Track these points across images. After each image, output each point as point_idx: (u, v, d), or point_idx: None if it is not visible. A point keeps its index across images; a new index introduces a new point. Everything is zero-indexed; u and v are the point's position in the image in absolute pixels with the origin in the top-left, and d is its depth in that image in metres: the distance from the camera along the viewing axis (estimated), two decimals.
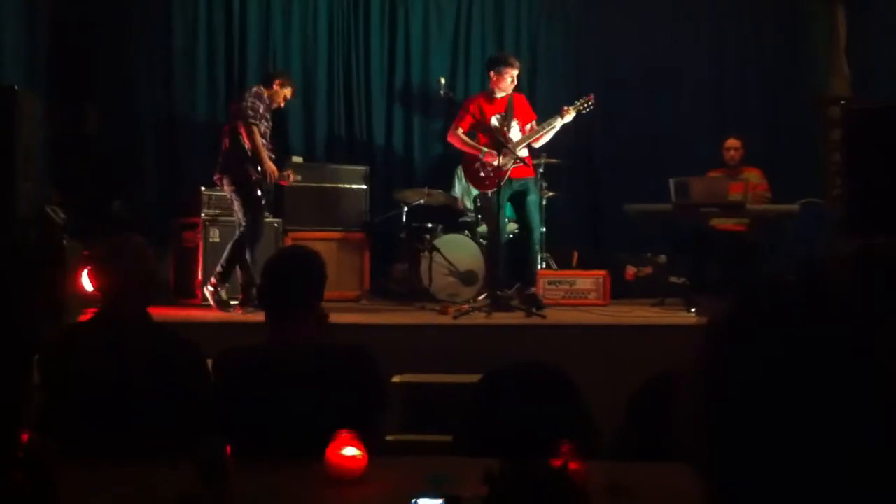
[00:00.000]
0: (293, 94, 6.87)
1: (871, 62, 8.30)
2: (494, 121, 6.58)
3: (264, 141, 6.27)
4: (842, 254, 0.96)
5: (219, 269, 6.27)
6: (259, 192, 6.26)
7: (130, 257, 2.79)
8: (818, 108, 7.94)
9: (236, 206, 6.27)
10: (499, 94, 6.61)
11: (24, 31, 7.07)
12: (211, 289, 6.23)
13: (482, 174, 6.55)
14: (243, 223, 6.21)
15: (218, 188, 6.49)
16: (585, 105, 6.65)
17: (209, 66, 8.17)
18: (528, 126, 6.64)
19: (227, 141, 6.32)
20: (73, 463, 1.96)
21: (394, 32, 8.57)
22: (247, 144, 6.19)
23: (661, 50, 8.59)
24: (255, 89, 6.40)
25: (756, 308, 0.89)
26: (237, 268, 6.27)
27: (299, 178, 7.26)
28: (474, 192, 7.58)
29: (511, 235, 6.90)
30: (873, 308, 0.85)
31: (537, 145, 6.70)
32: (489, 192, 6.50)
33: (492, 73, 6.63)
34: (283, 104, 6.73)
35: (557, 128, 6.58)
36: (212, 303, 6.20)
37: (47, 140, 7.04)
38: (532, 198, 6.59)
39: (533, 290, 6.46)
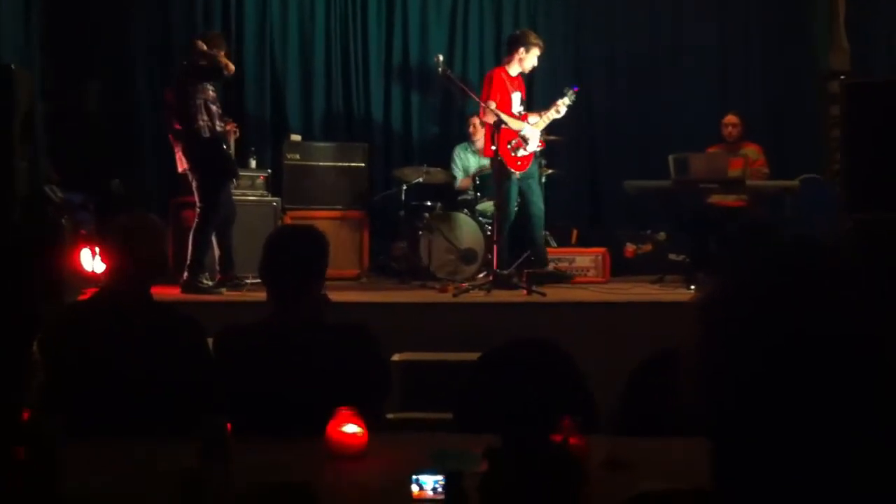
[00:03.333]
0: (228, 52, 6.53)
1: (872, 36, 8.26)
2: (517, 102, 6.58)
3: (214, 107, 6.09)
4: (839, 230, 0.95)
5: (189, 260, 6.03)
6: (225, 160, 6.15)
7: (146, 238, 2.78)
8: (818, 83, 7.90)
9: (196, 187, 6.08)
10: (514, 72, 6.60)
11: (21, 8, 7.02)
12: (189, 282, 6.02)
13: (517, 154, 6.53)
14: (201, 205, 6.05)
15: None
16: (569, 98, 6.58)
17: None
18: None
19: (178, 131, 6.08)
20: (75, 441, 1.97)
21: (391, 9, 8.52)
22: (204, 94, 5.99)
23: (660, 27, 8.55)
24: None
25: (752, 287, 0.88)
26: (209, 251, 6.12)
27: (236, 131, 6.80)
28: (473, 169, 7.57)
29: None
30: (871, 286, 0.84)
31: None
32: (517, 173, 6.51)
33: (521, 50, 6.57)
34: None
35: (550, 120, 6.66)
36: (198, 294, 5.98)
37: (45, 118, 7.01)
38: (536, 178, 6.69)
39: (528, 271, 6.45)
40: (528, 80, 7.03)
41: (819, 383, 0.81)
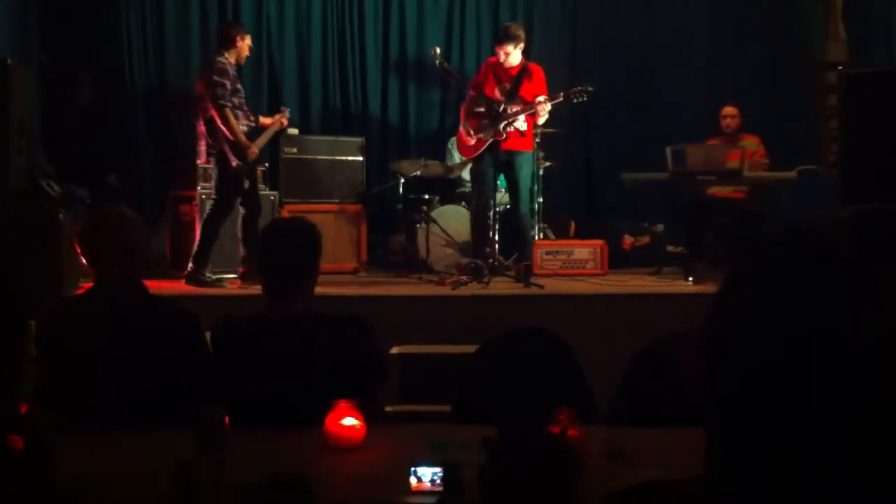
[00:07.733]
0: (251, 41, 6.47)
1: (869, 27, 8.25)
2: (498, 91, 6.48)
3: (241, 112, 6.09)
4: (834, 220, 0.95)
5: (194, 252, 6.07)
6: (242, 176, 6.14)
7: (115, 230, 2.76)
8: (815, 74, 7.90)
9: (214, 180, 6.16)
10: (506, 65, 6.51)
11: (17, 2, 6.99)
12: (193, 275, 6.04)
13: (466, 140, 6.58)
14: (215, 198, 6.11)
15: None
16: (579, 95, 6.29)
17: (202, 37, 8.09)
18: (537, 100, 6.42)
19: (203, 124, 6.10)
20: (71, 434, 1.96)
21: (388, 2, 8.50)
22: (224, 130, 5.98)
23: (657, 17, 8.53)
24: (217, 64, 6.02)
25: (758, 278, 0.88)
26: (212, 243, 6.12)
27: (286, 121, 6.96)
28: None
29: (506, 207, 6.87)
30: (868, 276, 0.84)
31: (539, 122, 6.47)
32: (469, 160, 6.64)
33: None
34: (248, 54, 6.39)
35: (541, 112, 6.29)
36: (201, 287, 5.98)
37: (40, 113, 7.00)
38: (518, 173, 6.47)
39: (525, 263, 6.39)
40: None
41: (821, 372, 0.80)
